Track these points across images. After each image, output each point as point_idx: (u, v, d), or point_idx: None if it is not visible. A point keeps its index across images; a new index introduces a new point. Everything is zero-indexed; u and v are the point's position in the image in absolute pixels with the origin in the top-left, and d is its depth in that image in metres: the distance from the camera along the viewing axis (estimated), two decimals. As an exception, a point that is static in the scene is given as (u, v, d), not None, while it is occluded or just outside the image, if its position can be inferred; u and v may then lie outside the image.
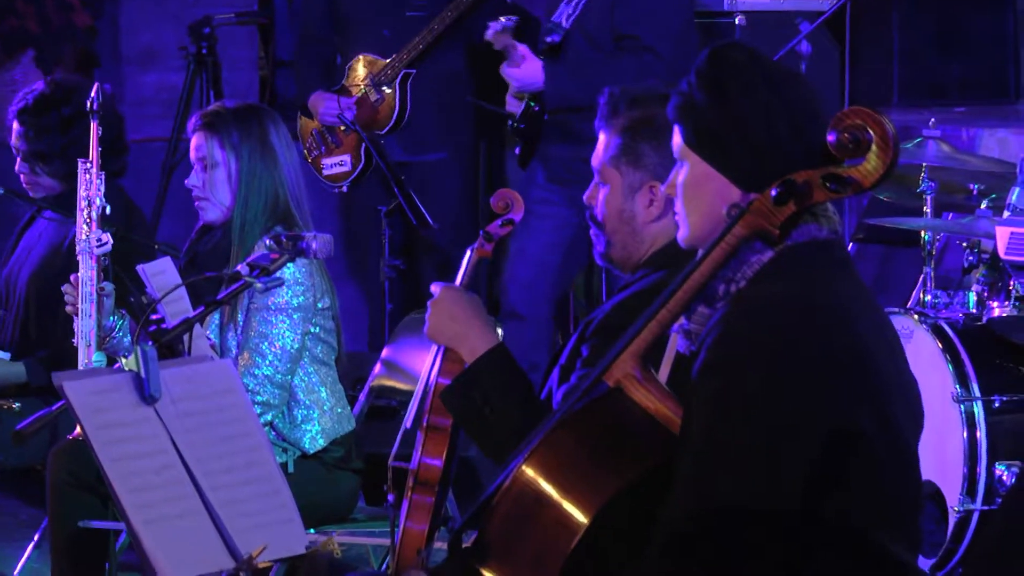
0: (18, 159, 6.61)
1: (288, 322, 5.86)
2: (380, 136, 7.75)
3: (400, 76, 7.87)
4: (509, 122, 7.56)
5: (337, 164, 7.98)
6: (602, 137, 4.41)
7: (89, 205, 5.87)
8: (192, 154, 5.98)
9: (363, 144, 7.80)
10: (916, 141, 6.88)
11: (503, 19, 7.44)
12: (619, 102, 4.40)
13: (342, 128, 7.93)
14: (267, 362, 5.84)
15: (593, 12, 7.40)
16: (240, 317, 5.90)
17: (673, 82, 3.92)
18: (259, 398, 5.75)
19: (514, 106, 7.58)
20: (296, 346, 5.87)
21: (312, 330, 5.93)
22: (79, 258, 5.89)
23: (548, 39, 7.43)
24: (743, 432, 3.63)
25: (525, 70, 7.42)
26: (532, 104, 7.50)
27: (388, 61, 7.93)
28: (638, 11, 7.37)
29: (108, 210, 5.89)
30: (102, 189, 5.88)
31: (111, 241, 5.90)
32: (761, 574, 3.61)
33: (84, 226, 5.89)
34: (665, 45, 7.12)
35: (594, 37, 7.41)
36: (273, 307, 5.84)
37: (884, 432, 3.71)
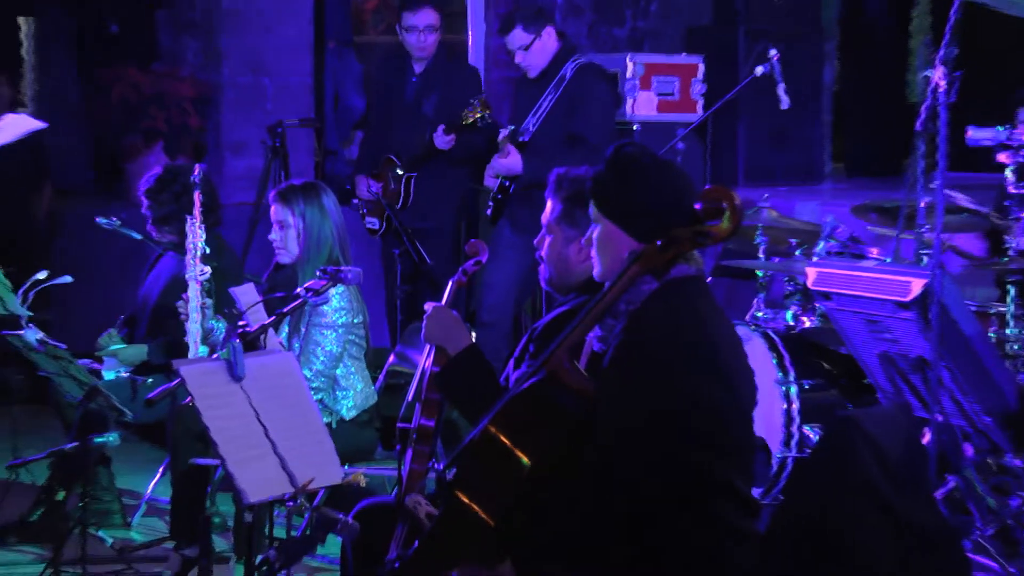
0: (148, 222, 6.59)
1: (334, 335, 5.87)
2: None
3: (404, 177, 7.89)
4: (493, 193, 7.56)
5: (371, 224, 8.00)
6: (550, 203, 4.38)
7: (194, 248, 5.85)
8: (272, 216, 6.00)
9: (386, 212, 7.81)
10: (754, 209, 6.89)
11: (506, 129, 7.44)
12: (563, 180, 4.37)
13: (374, 201, 7.95)
14: (319, 361, 5.85)
15: (552, 119, 7.40)
16: (303, 329, 5.92)
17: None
18: (313, 384, 5.75)
19: (491, 182, 7.57)
20: (339, 350, 5.89)
21: (350, 337, 5.93)
22: (188, 283, 5.88)
23: (520, 139, 7.43)
24: (640, 403, 3.61)
25: (510, 160, 7.40)
26: (505, 182, 7.49)
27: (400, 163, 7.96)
28: (586, 119, 7.36)
29: (207, 250, 5.88)
30: (203, 236, 5.86)
31: (209, 271, 5.88)
32: (659, 506, 3.60)
33: (191, 262, 5.86)
34: (604, 143, 7.09)
35: (552, 136, 7.40)
36: (325, 324, 5.87)
37: (732, 405, 3.69)
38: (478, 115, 7.61)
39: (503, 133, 7.46)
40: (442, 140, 7.73)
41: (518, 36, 7.48)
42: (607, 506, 3.62)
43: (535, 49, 7.48)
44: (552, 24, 7.57)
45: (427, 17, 7.99)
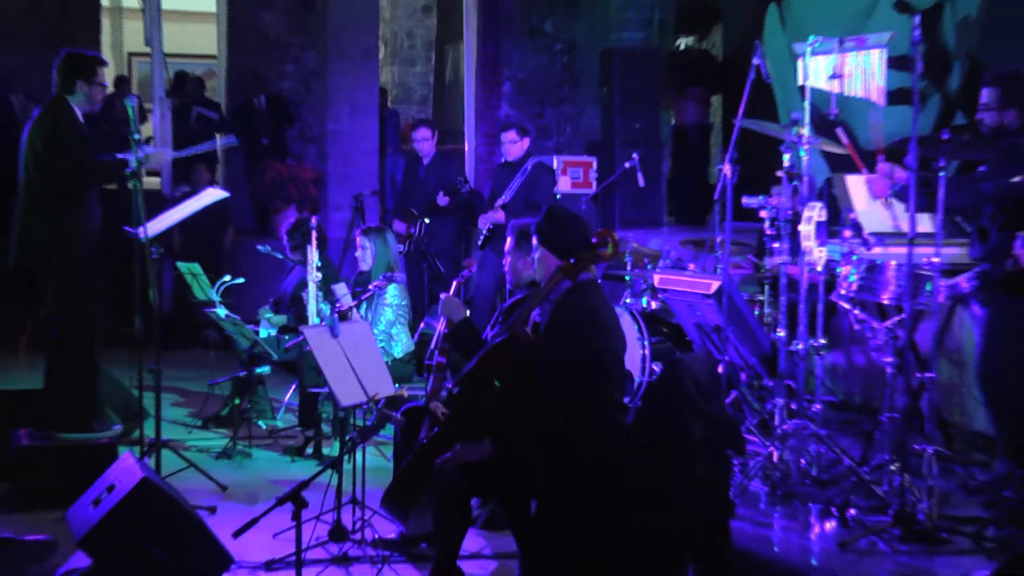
0: (286, 249, 6.54)
1: (391, 310, 5.77)
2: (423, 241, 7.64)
3: (419, 221, 7.70)
4: (483, 232, 7.43)
5: (400, 248, 7.73)
6: (509, 239, 4.33)
7: (312, 263, 5.79)
8: (357, 244, 5.92)
9: (407, 242, 7.66)
10: (625, 242, 6.83)
11: (495, 213, 7.28)
12: (516, 226, 4.32)
13: (403, 235, 7.79)
14: (382, 326, 5.74)
15: (520, 193, 7.32)
16: (374, 308, 5.81)
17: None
18: (378, 339, 5.63)
19: (483, 226, 7.46)
20: (393, 318, 5.78)
21: (400, 312, 5.82)
22: (309, 283, 5.80)
23: (498, 204, 7.33)
24: (563, 355, 3.57)
25: (499, 215, 7.33)
26: (491, 226, 7.41)
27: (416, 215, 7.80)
28: (540, 194, 7.27)
29: (319, 264, 5.82)
30: (317, 257, 5.81)
31: (321, 276, 5.82)
32: (578, 408, 3.55)
33: (311, 271, 5.80)
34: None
35: (519, 202, 7.32)
36: (386, 304, 5.76)
37: (614, 352, 3.66)
38: (461, 185, 7.56)
39: (500, 202, 7.37)
40: (442, 200, 7.66)
41: (512, 136, 7.45)
42: (547, 407, 3.57)
43: (518, 146, 7.44)
44: (529, 137, 7.55)
45: (423, 133, 7.90)
